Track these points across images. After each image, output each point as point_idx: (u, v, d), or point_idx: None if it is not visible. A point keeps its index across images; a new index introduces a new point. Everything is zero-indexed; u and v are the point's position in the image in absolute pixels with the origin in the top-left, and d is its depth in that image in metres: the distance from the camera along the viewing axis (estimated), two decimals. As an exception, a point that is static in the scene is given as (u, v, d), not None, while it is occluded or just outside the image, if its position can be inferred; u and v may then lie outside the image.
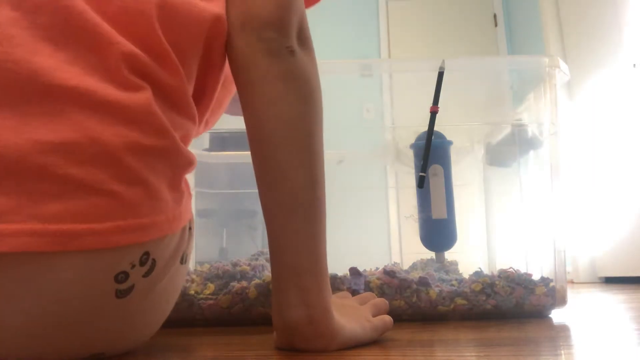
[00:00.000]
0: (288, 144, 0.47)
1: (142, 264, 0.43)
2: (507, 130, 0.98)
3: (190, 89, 0.49)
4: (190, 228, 0.50)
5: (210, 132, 1.39)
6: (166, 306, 0.51)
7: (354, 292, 0.78)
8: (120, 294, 0.42)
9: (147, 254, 0.43)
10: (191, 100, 0.48)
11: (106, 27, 0.43)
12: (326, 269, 0.50)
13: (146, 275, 0.44)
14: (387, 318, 0.58)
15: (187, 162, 0.47)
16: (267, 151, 0.47)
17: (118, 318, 0.44)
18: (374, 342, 0.56)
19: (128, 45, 0.43)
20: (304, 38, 0.49)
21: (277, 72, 0.46)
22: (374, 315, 0.58)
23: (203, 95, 0.53)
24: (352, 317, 0.54)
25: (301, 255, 0.48)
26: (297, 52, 0.47)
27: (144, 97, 0.43)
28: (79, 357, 0.44)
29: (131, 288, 0.43)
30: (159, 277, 0.46)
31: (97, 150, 0.40)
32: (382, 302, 0.63)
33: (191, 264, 1.08)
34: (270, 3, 0.47)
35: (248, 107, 0.48)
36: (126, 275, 0.42)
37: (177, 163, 0.46)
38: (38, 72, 0.40)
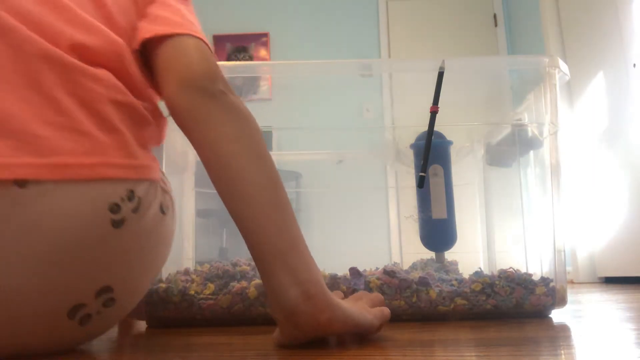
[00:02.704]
0: (244, 155, 0.55)
1: (130, 199, 0.52)
2: (507, 130, 0.98)
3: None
4: (162, 188, 0.59)
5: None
6: (157, 251, 0.59)
7: (354, 292, 0.78)
8: (116, 225, 0.51)
9: (132, 191, 0.52)
10: (139, 80, 0.59)
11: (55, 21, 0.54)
12: (307, 248, 0.55)
13: (135, 211, 0.52)
14: (385, 309, 0.60)
15: (149, 124, 0.59)
16: (226, 165, 0.55)
17: (117, 249, 0.52)
18: (374, 341, 0.56)
19: (77, 34, 0.54)
20: (228, 86, 0.60)
21: (219, 108, 0.57)
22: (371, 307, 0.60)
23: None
24: (349, 304, 0.56)
25: (280, 238, 0.53)
26: (228, 94, 0.59)
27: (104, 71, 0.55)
28: (88, 289, 0.51)
29: (124, 220, 0.51)
30: (145, 217, 0.54)
31: (79, 102, 0.51)
32: (377, 296, 0.64)
33: (191, 264, 1.08)
34: (203, 62, 0.59)
35: (202, 141, 0.56)
36: (118, 207, 0.51)
37: (140, 121, 0.57)
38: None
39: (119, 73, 0.57)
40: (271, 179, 0.55)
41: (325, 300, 0.51)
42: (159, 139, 0.64)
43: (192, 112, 0.57)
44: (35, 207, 0.47)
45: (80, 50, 0.54)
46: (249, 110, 0.59)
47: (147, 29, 0.61)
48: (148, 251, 0.57)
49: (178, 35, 0.61)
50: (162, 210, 0.58)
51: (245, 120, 0.58)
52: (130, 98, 0.56)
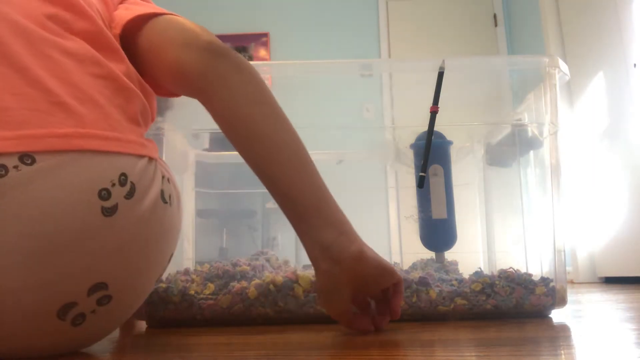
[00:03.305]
0: (268, 116, 0.56)
1: (121, 184, 0.47)
2: (507, 130, 0.98)
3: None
4: (164, 176, 0.54)
5: (210, 132, 1.40)
6: (157, 244, 0.53)
7: (354, 292, 0.78)
8: (106, 212, 0.46)
9: (124, 175, 0.48)
10: (116, 44, 0.56)
11: None
12: (333, 197, 0.58)
13: (128, 197, 0.48)
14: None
15: (135, 95, 0.54)
16: (252, 128, 0.56)
17: (110, 241, 0.47)
18: (374, 341, 0.56)
19: (50, 7, 0.52)
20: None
21: (232, 68, 0.56)
22: None
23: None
24: None
25: (312, 191, 0.56)
26: (235, 52, 0.58)
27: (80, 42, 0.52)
28: (79, 286, 0.46)
29: (115, 207, 0.46)
30: (141, 204, 0.49)
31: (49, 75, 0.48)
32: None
33: (191, 264, 1.08)
34: (203, 29, 0.58)
35: (222, 105, 0.56)
36: (108, 192, 0.46)
37: (125, 94, 0.53)
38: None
39: (97, 42, 0.53)
40: (295, 138, 0.58)
41: (354, 235, 0.57)
42: (149, 113, 0.58)
43: (207, 74, 0.55)
44: (15, 196, 0.42)
45: (54, 20, 0.51)
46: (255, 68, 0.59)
47: (128, 14, 0.59)
48: (148, 244, 0.51)
49: (164, 14, 0.60)
50: (164, 199, 0.52)
51: (260, 81, 0.57)
52: (109, 69, 0.52)
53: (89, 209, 0.45)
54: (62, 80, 0.48)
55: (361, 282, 0.58)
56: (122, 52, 0.56)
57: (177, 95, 0.65)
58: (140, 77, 0.58)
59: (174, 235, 0.56)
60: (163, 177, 0.54)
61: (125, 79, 0.53)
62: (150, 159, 0.52)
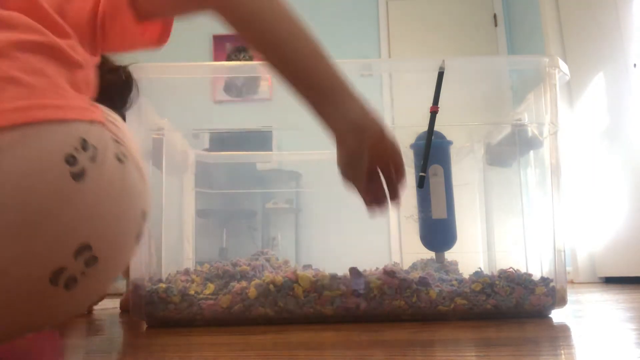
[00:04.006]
0: (286, 21, 0.61)
1: (84, 148, 0.49)
2: (507, 130, 0.98)
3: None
4: (113, 138, 0.55)
5: (210, 132, 1.40)
6: (125, 200, 0.54)
7: (354, 292, 0.78)
8: (76, 177, 0.47)
9: (84, 140, 0.49)
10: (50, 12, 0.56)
11: None
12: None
13: (92, 160, 0.49)
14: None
15: (76, 62, 0.55)
16: (272, 33, 0.60)
17: (84, 203, 0.48)
18: (374, 341, 0.56)
19: None
20: None
21: None
22: None
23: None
24: None
25: (336, 75, 0.61)
26: None
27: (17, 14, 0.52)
28: (65, 251, 0.47)
29: (83, 171, 0.48)
30: (105, 166, 0.51)
31: None
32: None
33: (191, 264, 1.08)
34: None
35: (243, 17, 0.60)
36: (74, 158, 0.47)
37: (67, 63, 0.53)
38: None
39: (33, 13, 0.53)
40: (311, 35, 0.62)
41: (376, 113, 0.63)
42: (91, 85, 0.59)
43: None
44: None
45: None
46: None
47: None
48: (117, 202, 0.53)
49: None
50: (119, 159, 0.54)
51: None
52: (50, 38, 0.53)
53: (59, 175, 0.46)
54: (5, 56, 0.48)
55: (379, 155, 0.65)
56: (66, 27, 0.57)
57: (168, 28, 0.67)
58: (82, 46, 0.59)
59: (138, 191, 0.57)
60: (114, 140, 0.55)
61: (67, 49, 0.54)
62: (101, 123, 0.53)
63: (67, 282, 0.48)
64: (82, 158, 0.48)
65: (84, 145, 0.49)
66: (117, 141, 0.56)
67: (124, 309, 1.17)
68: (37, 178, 0.45)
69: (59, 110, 0.49)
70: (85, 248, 0.48)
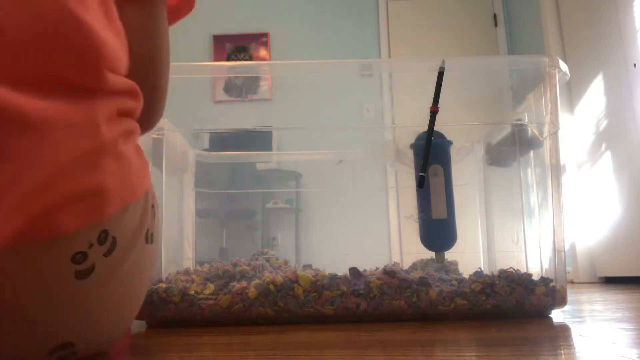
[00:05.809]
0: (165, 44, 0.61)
1: (100, 242, 0.41)
2: (507, 130, 0.98)
3: None
4: (153, 206, 0.49)
5: (210, 132, 1.39)
6: (134, 291, 0.48)
7: (354, 292, 0.78)
8: (80, 275, 0.40)
9: (105, 232, 0.41)
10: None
11: None
12: None
13: (107, 254, 0.42)
14: None
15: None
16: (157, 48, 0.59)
17: (82, 302, 0.42)
18: (374, 341, 0.56)
19: None
20: None
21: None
22: None
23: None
24: None
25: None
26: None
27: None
28: (46, 346, 0.42)
29: (91, 269, 0.41)
30: (123, 257, 0.44)
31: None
32: None
33: (191, 264, 1.08)
34: None
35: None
36: (84, 255, 0.40)
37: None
38: None
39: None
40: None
41: None
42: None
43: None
44: None
45: None
46: None
47: None
48: (126, 295, 0.46)
49: None
50: (147, 239, 0.47)
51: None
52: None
53: (59, 277, 0.40)
54: None
55: None
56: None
57: None
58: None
59: (151, 269, 0.52)
60: (152, 206, 0.49)
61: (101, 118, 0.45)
62: (146, 191, 0.47)
63: None
64: (95, 254, 0.41)
65: (103, 238, 0.42)
66: (152, 205, 0.49)
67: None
68: (35, 277, 0.39)
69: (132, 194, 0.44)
70: (66, 346, 0.43)
